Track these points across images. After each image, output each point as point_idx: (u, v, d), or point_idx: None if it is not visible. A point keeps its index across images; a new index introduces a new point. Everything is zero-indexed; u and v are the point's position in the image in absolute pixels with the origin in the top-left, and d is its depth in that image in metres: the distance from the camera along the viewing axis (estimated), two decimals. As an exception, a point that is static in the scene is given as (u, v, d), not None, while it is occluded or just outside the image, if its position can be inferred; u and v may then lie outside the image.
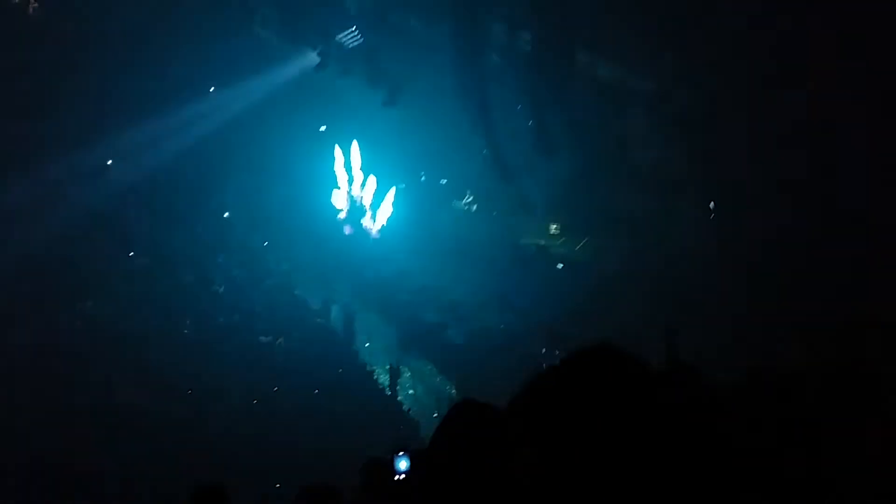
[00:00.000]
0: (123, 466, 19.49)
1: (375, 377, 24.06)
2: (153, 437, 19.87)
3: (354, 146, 28.84)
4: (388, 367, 23.96)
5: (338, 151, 28.84)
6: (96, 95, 27.91)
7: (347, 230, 27.69)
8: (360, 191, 28.40)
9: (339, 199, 28.36)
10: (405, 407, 23.24)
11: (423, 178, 29.09)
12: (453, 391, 23.32)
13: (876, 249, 18.05)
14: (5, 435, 19.20)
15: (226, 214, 28.40)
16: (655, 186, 23.63)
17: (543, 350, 23.40)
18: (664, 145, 23.70)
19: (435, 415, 23.01)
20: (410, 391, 23.69)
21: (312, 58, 31.84)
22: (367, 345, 24.78)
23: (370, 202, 28.12)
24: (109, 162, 29.20)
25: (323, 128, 30.89)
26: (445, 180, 29.00)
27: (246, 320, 24.81)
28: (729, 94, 21.50)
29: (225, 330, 24.57)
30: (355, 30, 30.67)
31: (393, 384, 23.69)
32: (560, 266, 25.33)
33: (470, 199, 28.27)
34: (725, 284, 21.38)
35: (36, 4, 31.40)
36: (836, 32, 19.23)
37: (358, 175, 28.64)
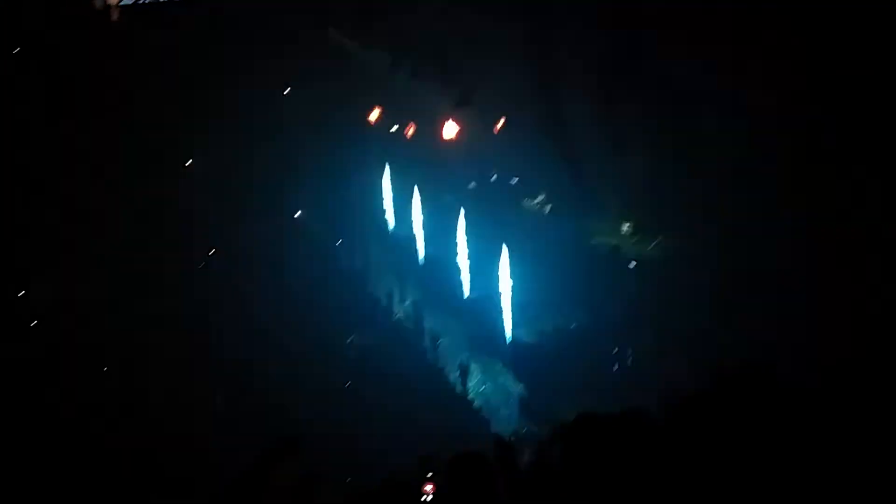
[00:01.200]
0: (191, 459, 19.83)
1: (446, 375, 24.08)
2: (221, 430, 20.20)
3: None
4: (458, 364, 23.97)
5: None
6: (177, 95, 28.69)
7: None
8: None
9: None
10: (475, 405, 23.22)
11: (493, 178, 29.05)
12: (522, 390, 23.23)
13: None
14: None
15: (298, 213, 28.81)
16: (731, 184, 23.17)
17: (615, 350, 23.15)
18: (741, 142, 23.21)
19: (504, 413, 22.96)
20: (480, 389, 23.66)
21: (385, 59, 32.16)
22: (438, 342, 24.82)
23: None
24: (190, 161, 30.01)
25: (394, 128, 31.15)
26: (517, 179, 28.90)
27: (319, 317, 25.06)
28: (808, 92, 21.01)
29: (298, 326, 24.85)
30: (428, 30, 30.86)
31: (463, 382, 23.69)
32: (632, 265, 25.01)
33: (541, 198, 28.12)
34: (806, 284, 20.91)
35: (120, 15, 32.49)
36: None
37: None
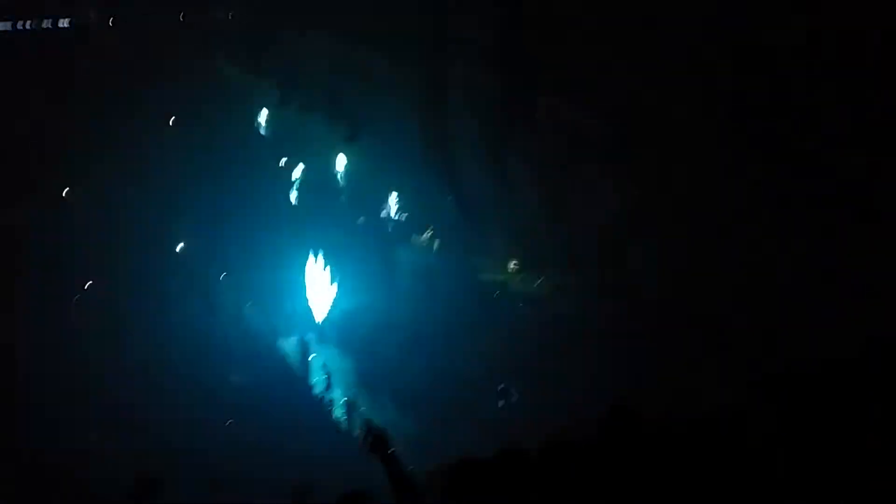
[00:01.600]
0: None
1: (331, 412, 23.63)
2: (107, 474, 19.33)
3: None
4: (343, 402, 23.56)
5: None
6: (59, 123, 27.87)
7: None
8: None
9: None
10: (360, 441, 22.74)
11: (384, 212, 29.04)
12: (411, 428, 22.95)
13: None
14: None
15: (180, 245, 28.04)
16: (611, 225, 23.82)
17: (500, 386, 23.24)
18: (620, 185, 23.96)
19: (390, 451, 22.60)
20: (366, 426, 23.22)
21: (274, 93, 31.98)
22: (325, 378, 24.37)
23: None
24: (65, 191, 28.96)
25: (283, 161, 30.81)
26: (406, 214, 28.94)
27: (200, 353, 24.28)
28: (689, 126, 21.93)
29: (177, 362, 24.00)
30: (317, 66, 30.84)
31: (349, 420, 23.26)
32: (520, 305, 25.29)
33: (430, 234, 28.21)
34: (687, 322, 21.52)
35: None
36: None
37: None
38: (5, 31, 31.78)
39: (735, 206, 22.09)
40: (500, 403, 23.35)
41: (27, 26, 31.98)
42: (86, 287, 25.49)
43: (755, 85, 21.61)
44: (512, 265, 27.23)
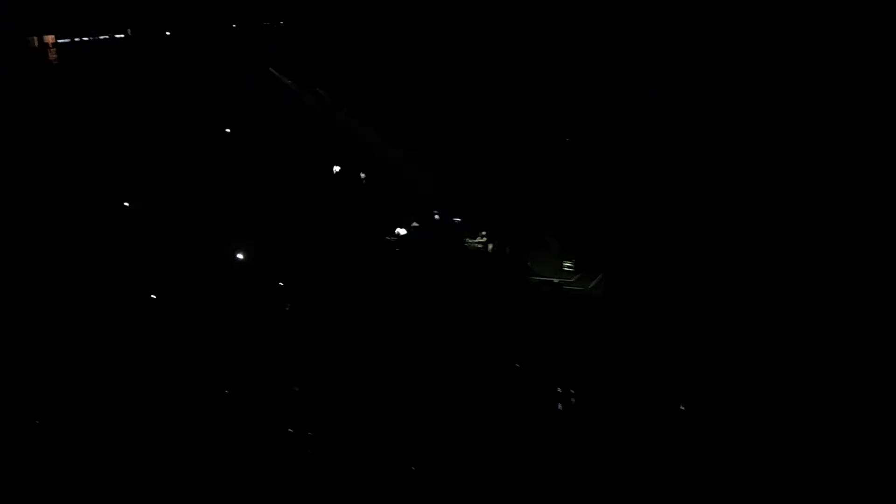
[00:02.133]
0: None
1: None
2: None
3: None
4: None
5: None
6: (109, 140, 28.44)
7: None
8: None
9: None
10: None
11: (436, 216, 29.12)
12: (464, 426, 22.98)
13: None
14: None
15: (239, 255, 28.40)
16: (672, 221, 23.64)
17: (559, 389, 23.14)
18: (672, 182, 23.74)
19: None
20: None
21: (323, 97, 32.12)
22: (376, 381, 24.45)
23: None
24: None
25: (336, 168, 31.00)
26: (459, 219, 28.98)
27: (262, 357, 24.61)
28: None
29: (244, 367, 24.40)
30: (368, 72, 30.93)
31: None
32: (575, 304, 25.16)
33: (483, 238, 28.23)
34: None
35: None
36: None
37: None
38: (63, 45, 32.42)
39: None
40: (559, 407, 23.28)
41: (83, 39, 32.63)
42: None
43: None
44: (566, 265, 27.11)
